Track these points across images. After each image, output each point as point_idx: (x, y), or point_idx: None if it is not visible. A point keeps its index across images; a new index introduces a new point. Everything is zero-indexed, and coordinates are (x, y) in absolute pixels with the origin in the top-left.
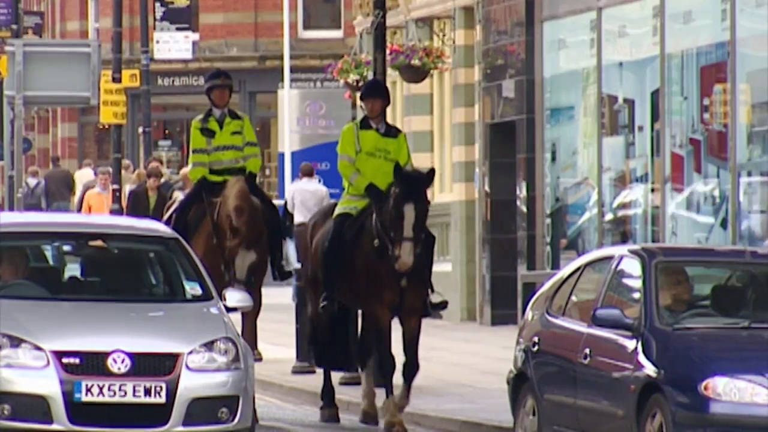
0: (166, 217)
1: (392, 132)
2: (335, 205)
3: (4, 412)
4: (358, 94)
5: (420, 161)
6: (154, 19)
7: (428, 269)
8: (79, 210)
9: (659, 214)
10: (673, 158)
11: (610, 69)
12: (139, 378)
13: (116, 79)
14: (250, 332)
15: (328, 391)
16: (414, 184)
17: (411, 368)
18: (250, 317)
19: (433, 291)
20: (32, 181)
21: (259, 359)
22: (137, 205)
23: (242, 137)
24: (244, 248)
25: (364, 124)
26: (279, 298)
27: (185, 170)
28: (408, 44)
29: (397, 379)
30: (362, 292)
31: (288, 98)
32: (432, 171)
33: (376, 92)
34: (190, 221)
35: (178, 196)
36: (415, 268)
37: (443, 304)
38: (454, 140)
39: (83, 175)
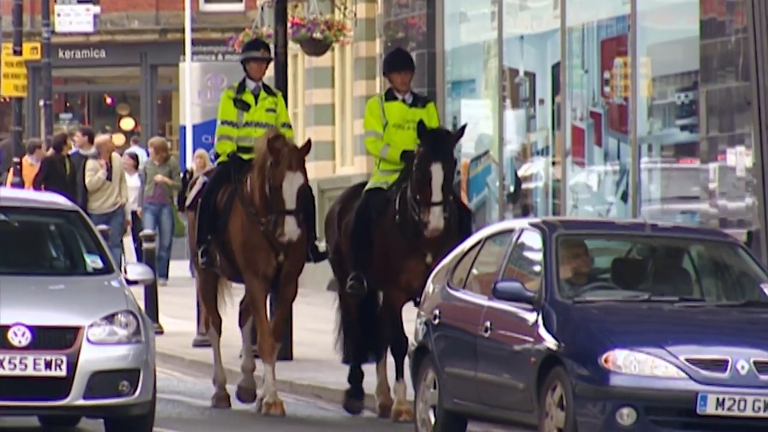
0: (189, 200)
1: (420, 102)
2: (359, 186)
3: None
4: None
5: (321, 134)
6: None
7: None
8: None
9: (560, 187)
10: (573, 131)
11: (511, 42)
12: (39, 351)
13: (17, 52)
14: (279, 320)
15: (357, 381)
16: (440, 141)
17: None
18: (283, 306)
19: None
20: None
21: (160, 332)
22: (53, 173)
23: (276, 116)
24: (289, 170)
25: (389, 96)
26: (179, 271)
27: (100, 138)
28: (309, 17)
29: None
30: (380, 272)
31: (189, 71)
32: (463, 127)
33: (405, 65)
34: (219, 204)
35: (94, 165)
36: (444, 242)
37: None
38: (356, 113)
39: None
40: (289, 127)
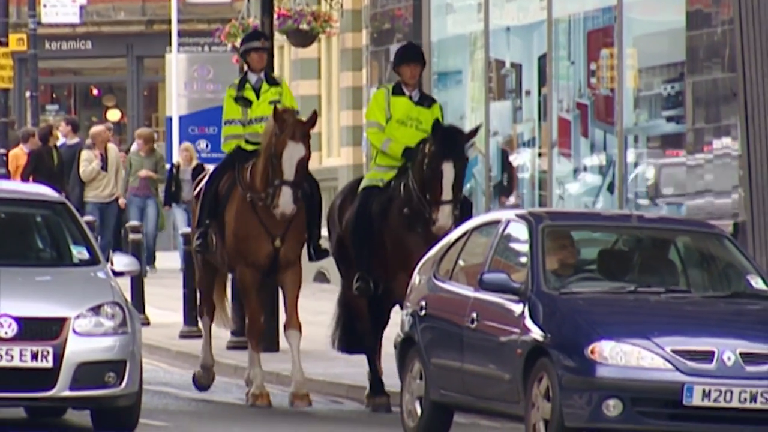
0: (196, 191)
1: (426, 101)
2: (360, 180)
3: None
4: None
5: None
6: None
7: None
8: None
9: (546, 179)
10: (560, 123)
11: (498, 33)
12: (26, 342)
13: (3, 43)
14: (291, 308)
15: (376, 378)
16: (453, 140)
17: None
18: (290, 294)
19: None
20: None
21: (147, 323)
22: (40, 165)
23: (281, 107)
24: (291, 139)
25: (397, 90)
26: (167, 262)
27: (95, 129)
28: (296, 8)
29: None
30: (390, 266)
31: (176, 62)
32: (477, 128)
33: (415, 57)
34: (221, 191)
35: (88, 155)
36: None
37: None
38: (342, 105)
39: None
40: (298, 114)
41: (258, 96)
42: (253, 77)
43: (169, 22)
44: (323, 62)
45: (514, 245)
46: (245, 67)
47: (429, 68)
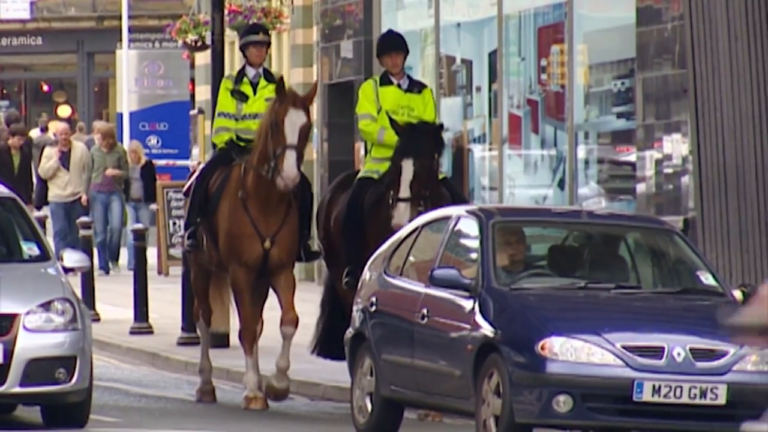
0: (186, 188)
1: (416, 87)
2: (350, 175)
3: None
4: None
5: None
6: None
7: None
8: None
9: (497, 175)
10: (510, 119)
11: (448, 29)
12: None
13: None
14: (287, 310)
15: None
16: (415, 137)
17: None
18: (284, 297)
19: None
20: None
21: (97, 320)
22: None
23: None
24: (292, 106)
25: (384, 80)
26: (122, 260)
27: (59, 126)
28: (246, 4)
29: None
30: None
31: (126, 58)
32: (440, 126)
33: (396, 46)
34: (211, 188)
35: (49, 152)
36: None
37: None
38: None
39: None
40: None
41: (255, 92)
42: (251, 71)
43: (120, 18)
44: (274, 58)
45: (464, 241)
46: (243, 60)
47: (379, 64)
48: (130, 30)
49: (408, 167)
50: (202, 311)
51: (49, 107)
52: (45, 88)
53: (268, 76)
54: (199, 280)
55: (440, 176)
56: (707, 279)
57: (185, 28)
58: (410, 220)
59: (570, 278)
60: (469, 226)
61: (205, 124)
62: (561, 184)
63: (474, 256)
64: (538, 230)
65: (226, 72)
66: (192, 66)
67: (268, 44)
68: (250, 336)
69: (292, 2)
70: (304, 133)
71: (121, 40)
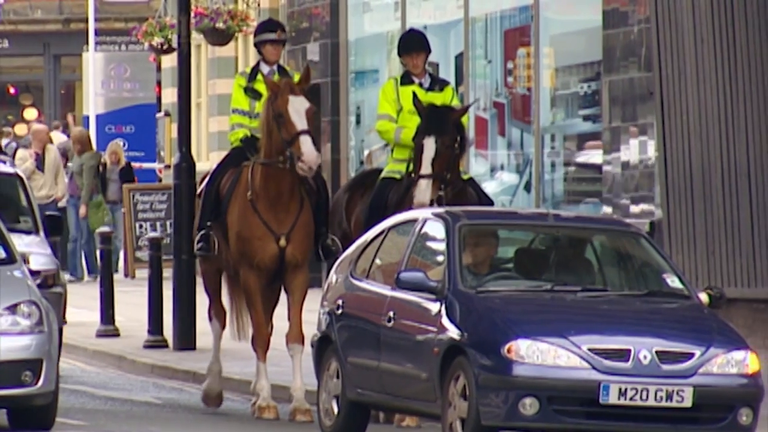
0: (199, 190)
1: (438, 85)
2: (366, 174)
3: None
4: (395, 49)
5: (225, 124)
6: None
7: None
8: None
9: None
10: (477, 121)
11: None
12: None
13: None
14: (296, 317)
15: None
16: (437, 116)
17: None
18: (296, 299)
19: None
20: None
21: (64, 322)
22: None
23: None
24: (291, 94)
25: (405, 79)
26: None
27: (35, 127)
28: (213, 7)
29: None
30: None
31: (93, 61)
32: (470, 104)
33: (417, 46)
34: (222, 190)
35: (23, 154)
36: None
37: None
38: None
39: None
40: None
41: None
42: (265, 69)
43: (86, 20)
44: (240, 61)
45: (431, 244)
46: (256, 58)
47: (346, 66)
48: (97, 33)
49: (430, 144)
50: (214, 311)
51: (15, 110)
52: (11, 90)
53: (283, 72)
54: (210, 281)
55: (465, 176)
56: (673, 282)
57: (152, 31)
58: (432, 201)
59: (536, 281)
60: (436, 229)
61: (172, 127)
62: (527, 187)
63: (440, 258)
64: (504, 233)
65: (192, 75)
66: (158, 69)
67: (284, 42)
68: (262, 341)
69: (259, 5)
70: (311, 116)
71: (87, 42)
